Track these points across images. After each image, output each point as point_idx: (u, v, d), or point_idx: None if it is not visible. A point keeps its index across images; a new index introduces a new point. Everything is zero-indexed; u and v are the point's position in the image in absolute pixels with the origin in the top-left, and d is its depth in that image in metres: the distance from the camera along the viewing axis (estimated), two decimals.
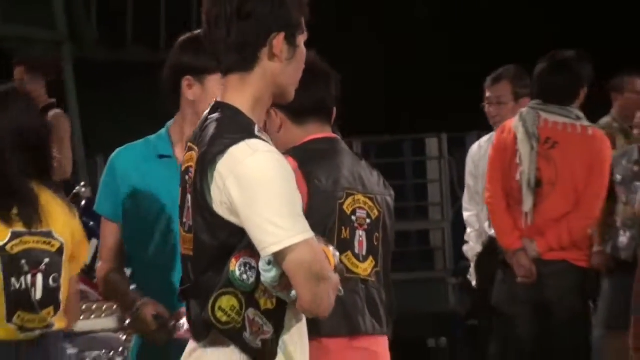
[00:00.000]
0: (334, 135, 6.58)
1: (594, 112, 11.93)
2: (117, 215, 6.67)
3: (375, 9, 24.66)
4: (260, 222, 5.04)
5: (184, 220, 5.28)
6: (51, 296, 6.24)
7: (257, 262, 5.04)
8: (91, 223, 6.71)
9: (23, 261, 6.20)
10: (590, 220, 9.87)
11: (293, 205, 5.09)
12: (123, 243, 6.71)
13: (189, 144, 5.31)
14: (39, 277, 6.21)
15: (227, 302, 5.14)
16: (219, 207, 5.07)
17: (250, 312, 5.12)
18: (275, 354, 5.16)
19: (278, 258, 5.01)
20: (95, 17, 19.90)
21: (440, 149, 19.47)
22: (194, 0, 19.64)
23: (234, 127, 5.23)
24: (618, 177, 10.54)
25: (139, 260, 6.69)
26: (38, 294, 6.22)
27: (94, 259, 8.66)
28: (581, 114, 9.82)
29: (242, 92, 5.29)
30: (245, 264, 5.07)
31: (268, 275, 5.02)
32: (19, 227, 6.20)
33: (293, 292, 5.07)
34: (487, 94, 10.40)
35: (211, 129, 5.23)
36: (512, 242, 9.50)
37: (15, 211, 6.25)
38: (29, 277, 6.23)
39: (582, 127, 9.75)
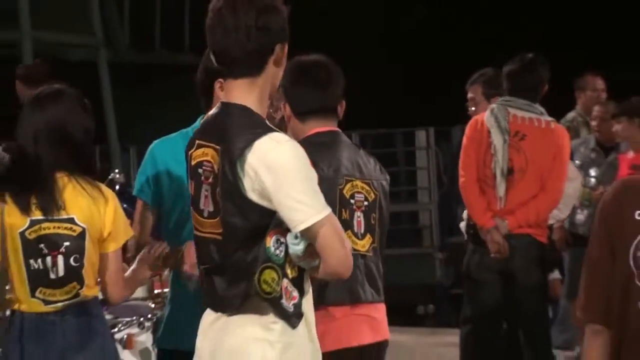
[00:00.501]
0: (335, 128, 6.59)
1: (563, 107, 12.20)
2: (154, 201, 6.68)
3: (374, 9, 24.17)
4: (291, 203, 5.15)
5: (202, 207, 5.35)
6: (74, 273, 6.19)
7: (285, 237, 5.18)
8: (124, 205, 6.74)
9: (42, 245, 6.17)
10: (555, 202, 9.91)
11: (314, 186, 5.21)
12: (155, 227, 6.73)
13: (197, 142, 5.41)
14: (60, 258, 6.18)
15: (269, 275, 5.23)
16: (251, 194, 5.16)
17: (284, 282, 5.25)
18: (302, 315, 5.32)
19: (307, 232, 5.17)
20: (128, 25, 19.77)
21: (427, 141, 20.12)
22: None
23: (252, 123, 5.34)
24: (577, 162, 10.68)
25: (173, 244, 6.54)
26: (60, 272, 6.18)
27: None
28: (543, 110, 9.90)
29: (250, 94, 5.40)
30: (277, 240, 5.20)
31: (297, 248, 5.18)
32: (38, 215, 6.16)
33: (316, 261, 5.23)
34: (468, 95, 10.49)
35: (229, 127, 5.35)
36: (486, 221, 9.50)
37: (34, 200, 6.21)
38: (48, 258, 6.19)
39: (546, 121, 9.77)
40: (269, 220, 5.23)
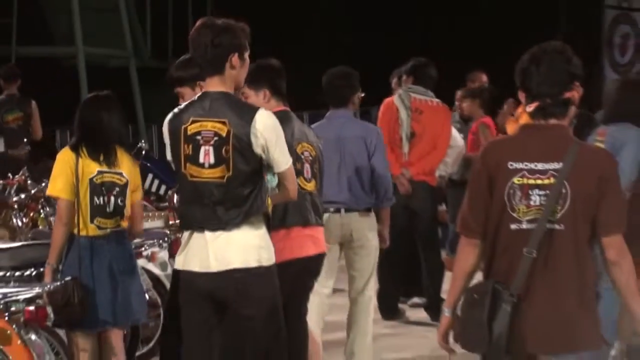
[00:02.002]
0: (287, 108, 6.56)
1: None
2: None
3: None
4: (279, 154, 5.42)
5: (201, 161, 5.35)
6: (118, 210, 6.31)
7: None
8: (148, 164, 6.87)
9: (103, 188, 6.26)
10: (441, 158, 9.88)
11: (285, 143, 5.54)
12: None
13: (192, 119, 5.43)
14: (112, 198, 6.28)
15: (267, 199, 5.53)
16: (257, 148, 5.36)
17: (268, 200, 5.58)
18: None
19: (283, 172, 5.50)
20: (149, 40, 19.41)
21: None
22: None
23: (242, 103, 5.68)
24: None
25: None
26: (111, 208, 6.28)
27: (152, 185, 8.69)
28: (433, 95, 9.86)
29: (222, 85, 5.48)
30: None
31: (273, 182, 5.59)
32: (104, 167, 6.27)
33: (276, 190, 5.64)
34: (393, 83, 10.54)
35: (228, 106, 5.46)
36: (396, 170, 9.28)
37: (102, 158, 6.29)
38: (105, 197, 6.27)
39: (436, 102, 9.80)
40: (260, 166, 5.42)
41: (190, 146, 5.41)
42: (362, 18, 18.26)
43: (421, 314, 9.98)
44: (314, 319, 7.23)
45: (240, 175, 5.40)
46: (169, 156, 6.18)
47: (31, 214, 9.64)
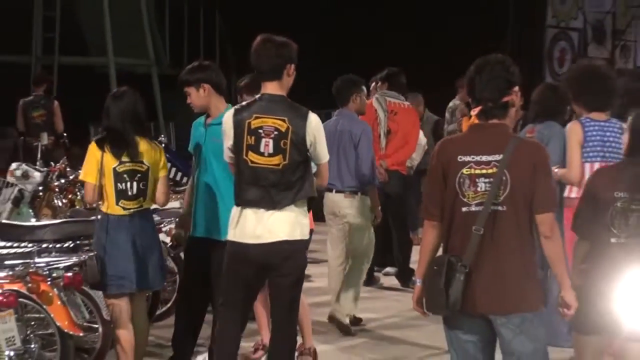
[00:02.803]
0: None
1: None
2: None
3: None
4: (321, 150, 5.58)
5: (262, 150, 5.49)
6: (141, 192, 6.19)
7: None
8: (167, 155, 6.81)
9: (125, 175, 6.13)
10: (411, 152, 9.85)
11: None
12: None
13: (255, 115, 5.53)
14: (134, 183, 6.15)
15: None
16: (308, 144, 5.51)
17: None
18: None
19: (322, 165, 5.68)
20: (168, 51, 19.24)
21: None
22: (216, 37, 19.25)
23: (297, 105, 5.64)
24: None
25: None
26: (134, 191, 6.15)
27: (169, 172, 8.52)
28: (404, 98, 9.79)
29: (280, 90, 5.59)
30: None
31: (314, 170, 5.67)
32: (125, 158, 6.14)
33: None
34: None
35: (286, 106, 5.58)
36: (375, 161, 8.85)
37: (122, 151, 6.15)
38: (128, 183, 6.15)
39: (407, 104, 9.74)
40: (307, 157, 5.56)
41: (253, 137, 5.52)
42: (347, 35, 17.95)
43: (393, 281, 9.95)
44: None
45: (294, 163, 5.51)
46: (190, 148, 6.44)
47: (69, 196, 9.67)
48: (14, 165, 9.03)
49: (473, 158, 4.36)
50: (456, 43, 13.32)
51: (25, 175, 8.91)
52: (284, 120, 5.50)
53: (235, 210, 5.62)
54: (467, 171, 4.36)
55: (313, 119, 5.57)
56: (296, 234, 5.54)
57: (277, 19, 17.15)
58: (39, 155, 10.57)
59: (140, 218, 6.20)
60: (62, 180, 9.70)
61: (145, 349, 6.39)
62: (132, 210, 6.17)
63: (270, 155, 5.50)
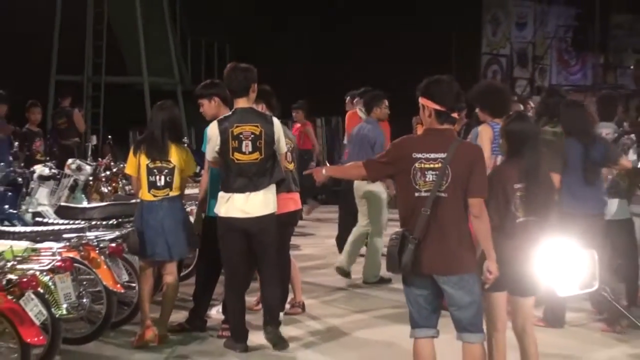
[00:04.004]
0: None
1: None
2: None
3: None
4: (282, 144, 5.84)
5: (244, 150, 5.64)
6: (167, 184, 6.09)
7: None
8: None
9: (155, 170, 6.06)
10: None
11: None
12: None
13: (236, 124, 5.67)
14: (162, 176, 6.07)
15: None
16: (275, 141, 5.75)
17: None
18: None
19: (281, 155, 5.86)
20: (190, 72, 19.00)
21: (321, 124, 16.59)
22: (226, 62, 19.34)
23: (262, 113, 5.89)
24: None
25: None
26: (162, 183, 6.07)
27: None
28: None
29: (249, 103, 5.74)
30: None
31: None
32: (155, 157, 6.05)
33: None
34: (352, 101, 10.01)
35: (255, 115, 5.73)
36: None
37: (153, 152, 6.07)
38: (157, 176, 6.07)
39: None
40: (274, 151, 5.76)
41: (236, 141, 5.67)
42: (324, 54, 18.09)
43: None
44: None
45: (267, 157, 5.70)
46: (203, 148, 6.23)
47: (113, 184, 9.64)
48: (70, 161, 8.99)
49: (424, 155, 4.31)
50: (412, 65, 13.32)
51: (79, 168, 8.86)
52: (257, 126, 5.68)
53: (223, 194, 5.75)
54: (419, 165, 4.31)
55: (276, 122, 5.79)
56: (269, 209, 5.75)
57: (273, 50, 17.46)
58: (89, 152, 10.62)
59: (168, 203, 6.10)
60: (108, 172, 9.69)
61: (174, 301, 6.35)
62: (160, 197, 6.09)
63: (250, 152, 5.66)
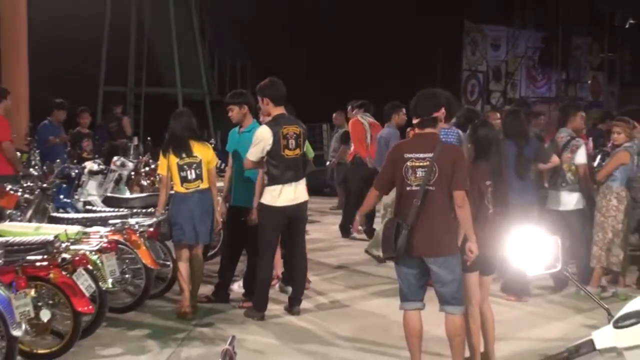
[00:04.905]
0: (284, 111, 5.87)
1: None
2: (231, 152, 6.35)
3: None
4: (307, 143, 5.80)
5: (290, 147, 5.67)
6: (197, 177, 5.96)
7: None
8: (215, 152, 6.69)
9: (185, 166, 5.93)
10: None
11: None
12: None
13: (284, 126, 5.69)
14: (192, 171, 5.94)
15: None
16: (304, 139, 5.87)
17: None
18: None
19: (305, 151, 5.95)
20: (216, 83, 18.89)
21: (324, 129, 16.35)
22: (247, 77, 18.80)
23: (295, 118, 5.90)
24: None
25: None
26: (193, 176, 5.95)
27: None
28: (373, 118, 9.43)
29: (285, 110, 5.81)
30: None
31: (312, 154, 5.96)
32: (184, 155, 5.92)
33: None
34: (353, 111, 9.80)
35: (293, 119, 5.81)
36: (364, 155, 9.15)
37: (181, 151, 5.94)
38: (188, 171, 5.92)
39: (376, 122, 9.39)
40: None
41: (286, 140, 5.70)
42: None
43: (364, 235, 9.68)
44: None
45: (302, 153, 5.81)
46: (227, 148, 6.31)
47: (152, 179, 9.58)
48: (115, 158, 8.98)
49: (414, 155, 4.29)
50: (401, 81, 13.30)
51: (123, 165, 8.85)
52: (297, 127, 5.76)
53: (274, 187, 5.68)
54: (410, 164, 4.29)
55: (303, 125, 5.85)
56: (306, 196, 5.87)
57: (289, 66, 17.32)
58: (131, 151, 10.57)
59: (198, 195, 5.99)
60: (147, 168, 9.64)
61: (201, 278, 6.29)
62: (192, 190, 5.99)
63: (294, 149, 5.71)
